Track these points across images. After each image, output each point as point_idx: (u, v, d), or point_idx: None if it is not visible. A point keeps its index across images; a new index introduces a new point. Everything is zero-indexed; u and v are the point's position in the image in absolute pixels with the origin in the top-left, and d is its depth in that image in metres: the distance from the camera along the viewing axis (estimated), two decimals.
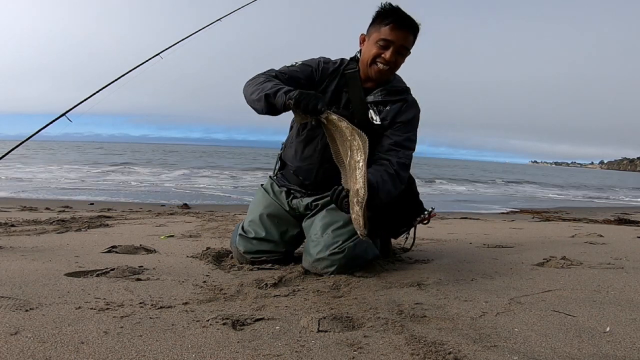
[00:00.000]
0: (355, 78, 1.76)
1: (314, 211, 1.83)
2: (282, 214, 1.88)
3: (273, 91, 1.53)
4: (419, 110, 1.82)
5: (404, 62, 1.77)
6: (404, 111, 1.76)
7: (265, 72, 1.72)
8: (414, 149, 1.77)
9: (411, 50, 1.74)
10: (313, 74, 1.78)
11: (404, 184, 1.72)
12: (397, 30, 1.66)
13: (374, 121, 1.73)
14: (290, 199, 1.89)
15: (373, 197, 1.47)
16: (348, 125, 1.51)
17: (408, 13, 1.68)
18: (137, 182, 10.59)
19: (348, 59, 1.83)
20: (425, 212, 1.92)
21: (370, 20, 1.73)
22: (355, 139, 1.48)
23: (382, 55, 1.68)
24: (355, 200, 1.44)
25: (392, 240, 2.06)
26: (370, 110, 1.75)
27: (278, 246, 1.84)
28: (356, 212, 1.44)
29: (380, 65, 1.70)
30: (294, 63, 1.79)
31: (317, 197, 1.84)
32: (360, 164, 1.45)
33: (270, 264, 1.82)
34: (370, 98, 1.76)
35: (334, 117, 1.52)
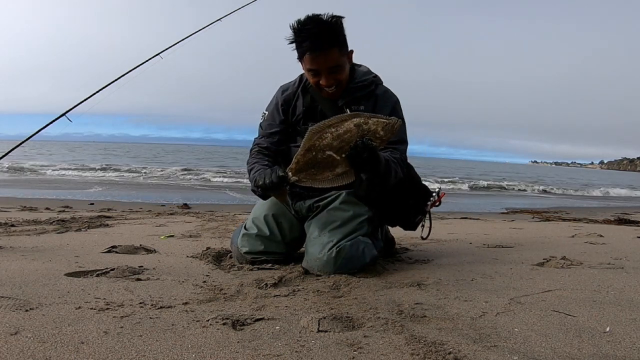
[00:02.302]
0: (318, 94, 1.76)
1: (315, 212, 1.84)
2: (286, 215, 1.89)
3: (252, 188, 1.67)
4: (395, 100, 1.79)
5: (350, 62, 1.74)
6: (380, 108, 1.74)
7: (253, 151, 1.84)
8: (407, 142, 1.79)
9: (350, 48, 1.71)
10: (282, 114, 1.82)
11: (405, 172, 1.76)
12: (316, 57, 1.61)
13: None
14: (294, 202, 1.89)
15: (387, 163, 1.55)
16: (327, 124, 1.48)
17: (321, 15, 1.60)
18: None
19: (305, 78, 1.80)
20: (434, 194, 1.92)
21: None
22: (343, 123, 1.46)
23: (320, 82, 1.67)
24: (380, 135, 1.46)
25: (411, 232, 2.03)
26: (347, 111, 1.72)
27: (279, 246, 1.85)
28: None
29: (327, 89, 1.69)
30: (263, 114, 1.88)
31: (318, 198, 1.84)
32: (365, 117, 1.46)
33: (270, 264, 1.82)
34: (340, 102, 1.75)
35: (311, 130, 1.48)
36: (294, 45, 1.67)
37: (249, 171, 1.75)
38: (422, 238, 2.01)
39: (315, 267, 1.67)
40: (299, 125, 1.82)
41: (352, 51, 1.74)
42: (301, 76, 1.84)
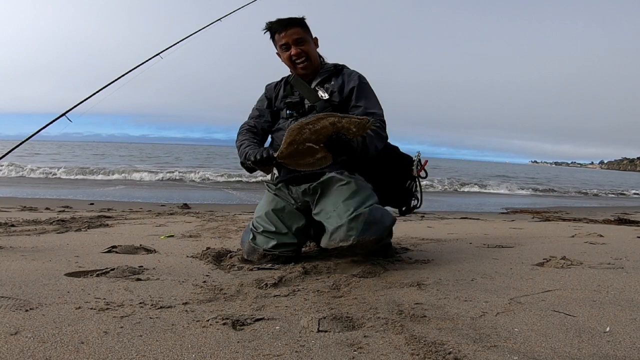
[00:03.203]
0: (297, 78, 2.03)
1: (316, 196, 1.87)
2: (286, 206, 1.94)
3: (242, 160, 1.88)
4: (359, 74, 2.02)
5: (316, 47, 2.03)
6: (349, 80, 1.98)
7: (242, 129, 2.05)
8: (382, 110, 1.97)
9: (314, 35, 2.02)
10: (267, 101, 2.09)
11: (385, 140, 1.93)
12: (283, 31, 1.95)
13: (323, 97, 1.95)
14: (289, 189, 1.94)
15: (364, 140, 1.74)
16: (305, 122, 1.68)
17: (289, 16, 1.97)
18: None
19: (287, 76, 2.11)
20: (415, 160, 2.03)
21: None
22: (319, 121, 1.66)
23: (291, 54, 1.96)
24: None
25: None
26: (319, 92, 1.98)
27: (288, 237, 1.89)
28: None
29: (299, 62, 1.97)
30: (254, 107, 2.14)
31: (311, 182, 1.88)
32: (339, 117, 1.67)
33: (275, 263, 1.83)
34: (314, 84, 2.01)
35: (293, 127, 1.69)
36: (271, 39, 2.00)
37: (239, 146, 1.95)
38: (416, 207, 2.09)
39: (337, 237, 1.69)
40: (281, 110, 2.05)
41: (316, 38, 2.04)
42: (283, 77, 2.12)
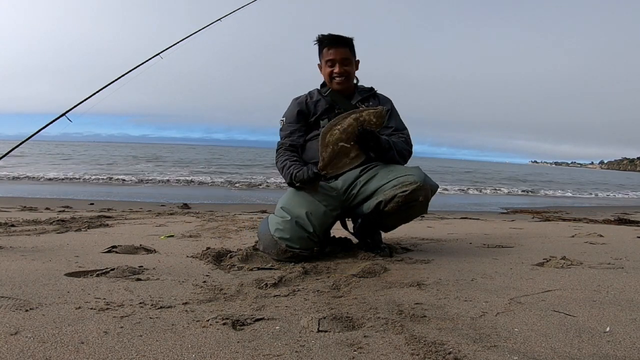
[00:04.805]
0: (335, 94, 2.20)
1: (362, 180, 2.03)
2: (318, 204, 1.96)
3: (289, 181, 2.03)
4: (390, 100, 2.31)
5: (356, 69, 2.23)
6: (382, 103, 2.22)
7: (280, 150, 2.17)
8: (408, 130, 2.25)
9: (358, 58, 2.22)
10: (300, 116, 2.20)
11: (410, 151, 2.18)
12: (334, 48, 2.14)
13: None
14: (331, 181, 2.08)
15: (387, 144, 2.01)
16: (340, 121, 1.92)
17: (339, 34, 2.15)
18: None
19: (316, 89, 2.27)
20: None
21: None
22: (344, 120, 1.91)
23: (334, 71, 2.16)
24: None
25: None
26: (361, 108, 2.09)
27: (313, 237, 1.90)
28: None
29: (337, 79, 2.17)
30: (281, 120, 2.25)
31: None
32: (359, 112, 1.94)
33: (291, 261, 1.86)
34: (354, 101, 2.21)
35: (328, 129, 1.93)
36: (316, 48, 2.21)
37: (282, 167, 2.08)
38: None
39: (405, 181, 1.90)
40: (321, 119, 2.19)
41: (358, 61, 2.24)
42: (310, 91, 2.27)
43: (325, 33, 2.19)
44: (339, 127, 1.90)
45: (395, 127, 2.18)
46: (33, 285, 1.38)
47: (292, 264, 1.82)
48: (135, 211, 4.74)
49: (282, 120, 2.25)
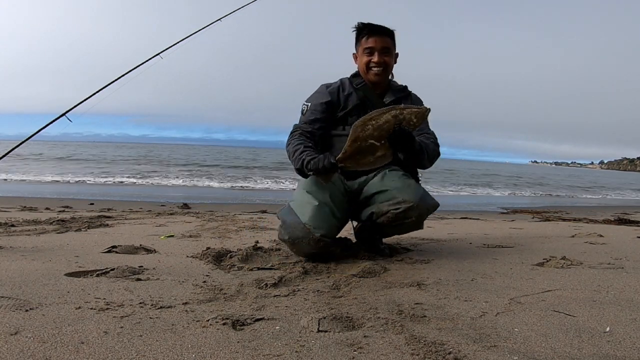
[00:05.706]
0: (369, 89, 2.08)
1: (370, 179, 2.01)
2: (337, 194, 1.94)
3: (299, 167, 1.88)
4: (422, 100, 2.20)
5: (394, 62, 2.11)
6: (416, 104, 2.07)
7: (295, 133, 2.01)
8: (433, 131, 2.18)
9: (397, 51, 2.10)
10: (327, 106, 2.06)
11: (438, 154, 2.08)
12: (374, 37, 2.02)
13: None
14: (345, 180, 2.03)
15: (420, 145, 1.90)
16: (373, 117, 1.75)
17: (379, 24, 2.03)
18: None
19: (347, 78, 2.13)
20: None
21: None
22: (382, 116, 1.74)
23: (372, 60, 2.03)
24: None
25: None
26: None
27: (337, 226, 1.91)
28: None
29: (375, 69, 2.04)
30: (305, 104, 2.09)
31: (366, 176, 2.03)
32: (400, 109, 1.76)
33: (320, 251, 1.83)
34: (387, 100, 2.08)
35: (358, 123, 1.75)
36: (355, 35, 2.08)
37: (295, 151, 1.91)
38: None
39: (402, 197, 1.86)
40: (350, 115, 2.06)
41: (397, 54, 2.12)
42: (341, 80, 2.13)
43: (366, 22, 2.06)
44: (373, 122, 1.74)
45: (422, 128, 2.07)
46: (33, 285, 1.38)
47: (292, 264, 1.82)
48: (135, 211, 4.74)
49: (306, 105, 2.09)
